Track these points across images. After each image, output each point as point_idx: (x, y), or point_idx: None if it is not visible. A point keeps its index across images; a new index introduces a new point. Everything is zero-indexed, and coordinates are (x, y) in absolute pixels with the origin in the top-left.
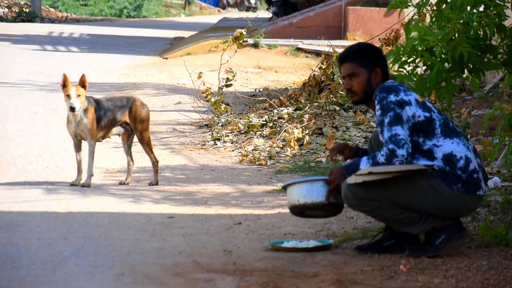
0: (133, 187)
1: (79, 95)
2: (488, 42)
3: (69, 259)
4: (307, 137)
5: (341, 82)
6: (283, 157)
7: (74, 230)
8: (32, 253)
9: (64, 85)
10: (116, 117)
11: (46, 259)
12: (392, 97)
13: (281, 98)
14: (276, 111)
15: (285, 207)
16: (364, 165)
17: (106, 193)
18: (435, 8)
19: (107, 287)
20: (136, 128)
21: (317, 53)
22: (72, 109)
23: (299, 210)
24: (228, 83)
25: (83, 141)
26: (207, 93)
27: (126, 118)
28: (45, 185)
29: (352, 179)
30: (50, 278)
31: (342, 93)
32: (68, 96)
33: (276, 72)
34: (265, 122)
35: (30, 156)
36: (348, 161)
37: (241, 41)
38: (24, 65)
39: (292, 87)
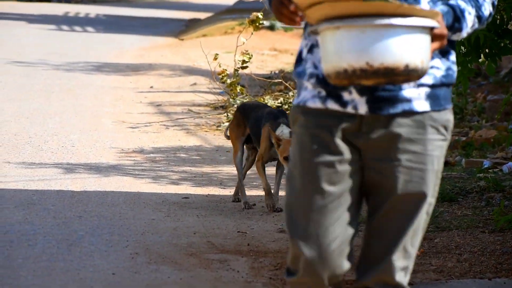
0: (149, 167)
1: None
2: (504, 26)
3: (84, 238)
4: None
5: None
6: None
7: (89, 209)
8: (47, 232)
9: None
10: None
11: (61, 237)
12: None
13: None
14: (292, 93)
15: None
16: (470, 20)
17: (122, 172)
18: None
19: (121, 266)
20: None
21: None
22: None
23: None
24: (244, 65)
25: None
26: (223, 74)
27: None
28: (61, 164)
29: None
30: (65, 256)
31: None
32: None
33: (291, 54)
34: (280, 104)
35: (45, 135)
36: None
37: (257, 24)
38: (40, 45)
39: None
